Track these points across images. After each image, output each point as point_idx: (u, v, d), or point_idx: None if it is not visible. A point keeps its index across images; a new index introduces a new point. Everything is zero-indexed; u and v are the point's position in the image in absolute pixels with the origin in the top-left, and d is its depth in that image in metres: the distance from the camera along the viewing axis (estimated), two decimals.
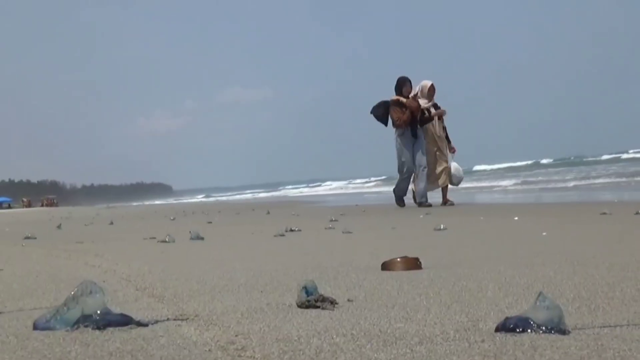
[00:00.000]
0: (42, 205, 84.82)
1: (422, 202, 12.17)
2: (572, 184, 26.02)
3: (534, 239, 4.28)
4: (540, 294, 1.49)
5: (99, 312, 1.63)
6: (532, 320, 1.46)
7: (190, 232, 5.60)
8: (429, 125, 12.60)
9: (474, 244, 4.03)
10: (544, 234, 4.61)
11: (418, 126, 12.48)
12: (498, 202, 14.89)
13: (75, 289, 1.63)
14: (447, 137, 12.91)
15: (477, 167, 51.83)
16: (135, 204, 72.33)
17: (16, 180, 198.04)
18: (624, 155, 44.01)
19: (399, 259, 2.77)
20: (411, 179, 12.61)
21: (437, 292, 2.11)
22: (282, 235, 5.51)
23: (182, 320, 1.75)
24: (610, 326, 1.53)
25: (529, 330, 1.44)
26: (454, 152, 12.81)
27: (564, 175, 32.04)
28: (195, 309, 1.91)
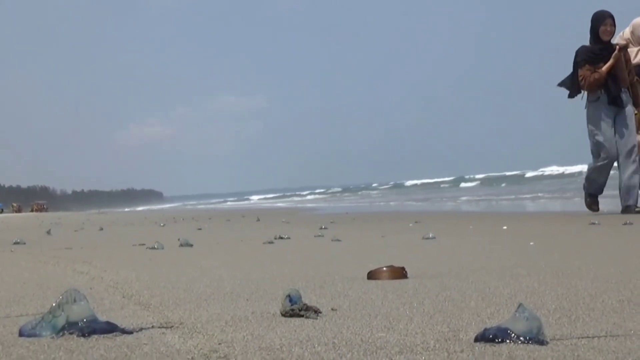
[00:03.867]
0: (32, 211, 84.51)
1: (628, 206, 8.28)
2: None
3: (521, 249, 4.30)
4: (520, 305, 1.52)
5: (84, 319, 1.64)
6: (511, 330, 1.48)
7: (179, 239, 5.62)
8: None
9: (461, 254, 4.06)
10: (532, 243, 4.64)
11: (622, 90, 8.25)
12: (489, 211, 14.95)
13: (61, 297, 1.65)
14: None
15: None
16: (126, 210, 72.15)
17: (6, 186, 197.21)
18: None
19: (384, 268, 2.79)
20: (610, 169, 8.55)
21: (420, 301, 2.13)
22: (271, 242, 5.53)
23: (167, 328, 1.76)
24: (588, 337, 1.56)
25: (508, 341, 1.47)
26: None
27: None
28: (180, 317, 1.93)
